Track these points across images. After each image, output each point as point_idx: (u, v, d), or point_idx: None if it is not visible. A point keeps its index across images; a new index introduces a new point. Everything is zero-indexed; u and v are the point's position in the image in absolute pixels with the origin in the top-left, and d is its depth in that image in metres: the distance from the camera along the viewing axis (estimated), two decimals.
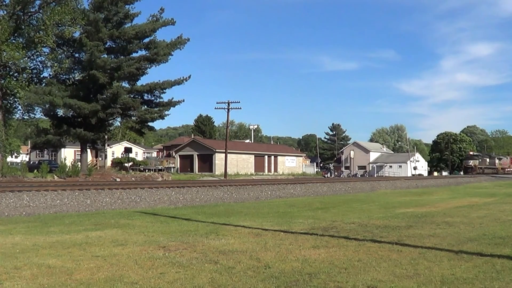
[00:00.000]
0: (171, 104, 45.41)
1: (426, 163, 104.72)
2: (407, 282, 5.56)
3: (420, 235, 9.46)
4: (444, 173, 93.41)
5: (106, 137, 48.64)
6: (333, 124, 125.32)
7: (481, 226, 11.03)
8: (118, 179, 35.41)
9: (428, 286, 5.42)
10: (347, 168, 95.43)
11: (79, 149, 45.94)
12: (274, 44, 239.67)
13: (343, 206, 18.00)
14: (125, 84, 44.59)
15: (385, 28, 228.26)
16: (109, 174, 41.31)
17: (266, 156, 70.38)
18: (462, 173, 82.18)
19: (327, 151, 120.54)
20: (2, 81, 34.33)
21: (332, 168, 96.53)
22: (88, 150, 47.02)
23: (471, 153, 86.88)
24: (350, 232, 10.08)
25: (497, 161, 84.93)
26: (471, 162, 78.49)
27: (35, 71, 38.72)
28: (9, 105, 37.25)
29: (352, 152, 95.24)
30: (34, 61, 38.01)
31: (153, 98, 46.02)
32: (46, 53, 36.73)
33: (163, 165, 62.74)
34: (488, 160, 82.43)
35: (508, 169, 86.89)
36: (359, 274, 5.98)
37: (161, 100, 45.97)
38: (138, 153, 74.39)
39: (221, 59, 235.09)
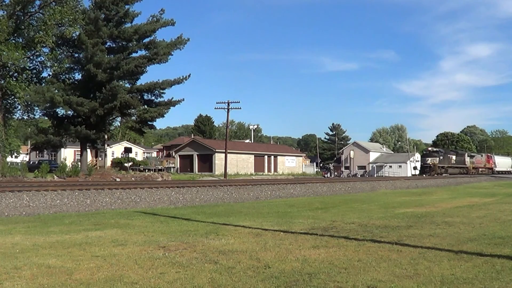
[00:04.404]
0: (171, 103, 45.43)
1: None
2: (407, 282, 5.56)
3: (420, 235, 9.45)
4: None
5: (106, 136, 48.59)
6: (333, 124, 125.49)
7: (481, 226, 11.03)
8: (118, 179, 35.40)
9: (428, 286, 5.41)
10: (347, 168, 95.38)
11: (79, 149, 45.93)
12: (274, 44, 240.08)
13: (343, 206, 17.99)
14: (125, 84, 44.61)
15: (385, 28, 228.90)
16: (109, 174, 41.29)
17: (266, 156, 70.39)
18: (418, 173, 68.76)
19: (327, 151, 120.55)
20: (2, 81, 34.33)
21: (332, 168, 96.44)
22: (88, 150, 47.00)
23: (429, 149, 72.07)
24: (350, 232, 10.07)
25: (467, 159, 71.50)
26: (429, 161, 64.70)
27: (35, 71, 38.77)
28: (9, 105, 37.28)
29: (352, 152, 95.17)
30: (34, 61, 38.12)
31: (153, 98, 46.11)
32: (46, 53, 36.78)
33: (163, 165, 62.83)
34: (454, 157, 68.38)
35: (483, 169, 74.94)
36: (359, 274, 5.97)
37: (161, 99, 46.07)
38: (138, 153, 74.40)
39: (221, 59, 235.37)
